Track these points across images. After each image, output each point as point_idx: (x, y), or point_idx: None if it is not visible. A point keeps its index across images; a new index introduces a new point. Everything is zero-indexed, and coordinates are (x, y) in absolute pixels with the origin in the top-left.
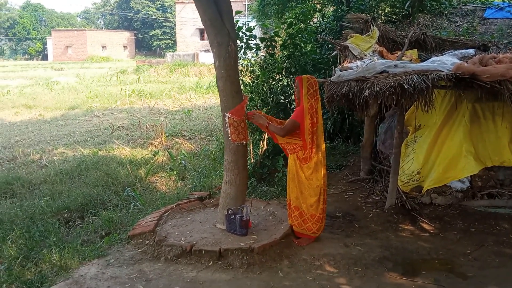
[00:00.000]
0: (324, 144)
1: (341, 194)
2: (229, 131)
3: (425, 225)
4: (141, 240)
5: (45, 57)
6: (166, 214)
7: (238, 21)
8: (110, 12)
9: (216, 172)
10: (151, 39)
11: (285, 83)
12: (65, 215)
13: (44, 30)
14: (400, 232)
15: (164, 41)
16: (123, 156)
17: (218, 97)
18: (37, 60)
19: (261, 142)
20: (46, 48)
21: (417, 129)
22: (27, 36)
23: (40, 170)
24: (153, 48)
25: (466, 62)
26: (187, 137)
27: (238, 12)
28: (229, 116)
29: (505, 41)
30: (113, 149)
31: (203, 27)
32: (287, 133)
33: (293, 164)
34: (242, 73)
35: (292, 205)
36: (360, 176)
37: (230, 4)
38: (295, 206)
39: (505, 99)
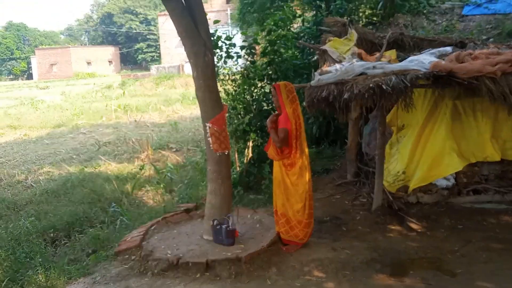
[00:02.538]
0: (307, 149)
1: (329, 198)
2: (210, 141)
3: (412, 225)
4: (127, 256)
5: (30, 76)
6: (152, 228)
7: (217, 30)
8: (94, 28)
9: (203, 183)
10: (136, 52)
11: (267, 90)
12: (51, 234)
13: (28, 49)
14: (388, 232)
15: (149, 54)
16: (109, 172)
17: None
18: (22, 79)
19: (246, 150)
20: (31, 67)
21: (401, 129)
22: (10, 56)
23: (26, 191)
24: (138, 62)
25: (443, 60)
26: (174, 149)
27: (216, 22)
28: (210, 126)
29: (484, 37)
30: (99, 166)
31: None
32: (283, 143)
33: (278, 171)
34: (224, 82)
35: (278, 212)
36: (347, 179)
37: (205, 14)
38: (282, 213)
39: (483, 95)
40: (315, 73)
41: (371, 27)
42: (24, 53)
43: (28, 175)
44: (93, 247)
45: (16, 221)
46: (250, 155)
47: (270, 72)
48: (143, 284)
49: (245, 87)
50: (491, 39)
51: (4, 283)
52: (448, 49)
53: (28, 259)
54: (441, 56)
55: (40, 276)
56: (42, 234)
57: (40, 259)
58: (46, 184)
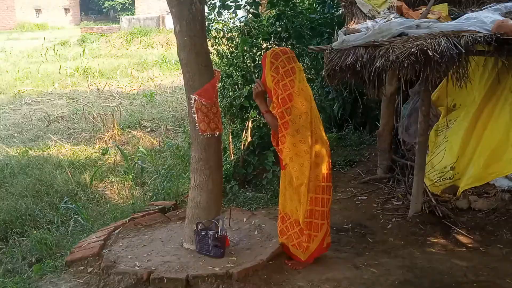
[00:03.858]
0: (324, 133)
1: (351, 199)
2: (196, 118)
3: (461, 237)
4: (82, 267)
5: None
6: (116, 231)
7: None
8: None
9: (185, 175)
10: None
11: None
12: None
13: None
14: (428, 247)
15: (119, 0)
16: (61, 156)
17: None
18: None
19: (244, 133)
20: None
21: (451, 111)
22: None
23: None
24: (104, 11)
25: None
26: (148, 129)
27: None
28: (196, 98)
29: None
30: (49, 147)
31: None
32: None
33: None
34: (217, 40)
35: (291, 218)
36: (376, 175)
37: None
38: (296, 220)
39: None
40: (339, 32)
41: None
42: None
43: None
44: (38, 254)
45: None
46: (249, 139)
47: (279, 29)
48: None
49: (245, 48)
50: None
51: None
52: None
53: None
54: (508, 13)
55: None
56: None
57: None
58: None
